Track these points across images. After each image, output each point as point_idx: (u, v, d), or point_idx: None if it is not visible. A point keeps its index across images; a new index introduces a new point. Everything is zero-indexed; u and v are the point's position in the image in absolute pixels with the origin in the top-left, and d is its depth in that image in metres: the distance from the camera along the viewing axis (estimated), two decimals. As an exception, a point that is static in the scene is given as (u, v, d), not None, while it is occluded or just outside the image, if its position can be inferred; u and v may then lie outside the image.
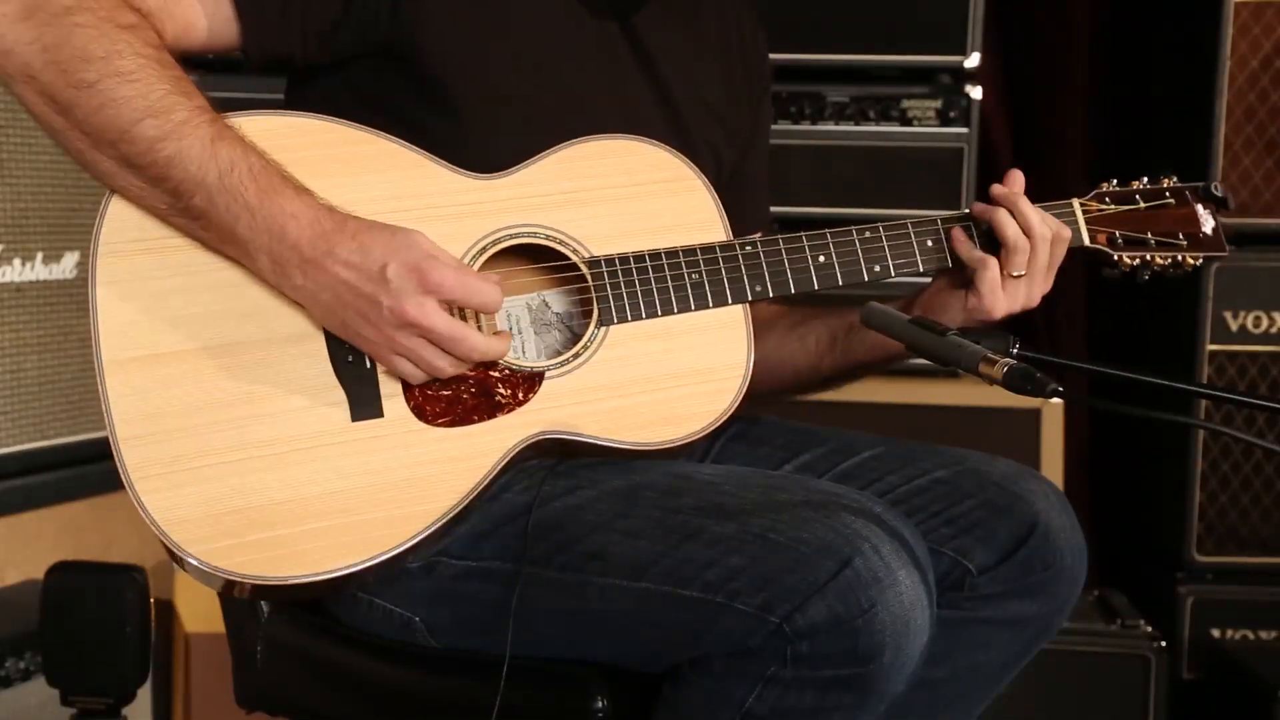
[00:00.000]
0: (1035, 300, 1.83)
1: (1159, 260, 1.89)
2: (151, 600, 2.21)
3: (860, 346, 1.91)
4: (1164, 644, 2.95)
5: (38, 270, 2.83)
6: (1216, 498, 3.21)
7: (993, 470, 1.80)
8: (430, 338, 1.57)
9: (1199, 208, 1.91)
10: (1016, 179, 1.85)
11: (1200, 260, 1.90)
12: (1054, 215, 1.84)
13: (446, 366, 1.60)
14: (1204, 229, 1.91)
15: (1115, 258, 1.88)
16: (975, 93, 3.13)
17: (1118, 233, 1.88)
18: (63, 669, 2.19)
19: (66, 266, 2.89)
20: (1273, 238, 3.18)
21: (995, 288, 1.79)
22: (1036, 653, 1.83)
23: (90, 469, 2.94)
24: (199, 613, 2.95)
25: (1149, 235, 1.89)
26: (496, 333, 1.68)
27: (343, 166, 1.64)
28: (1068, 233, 1.83)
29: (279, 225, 1.55)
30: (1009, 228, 1.78)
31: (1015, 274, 1.79)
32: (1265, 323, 3.17)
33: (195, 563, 1.55)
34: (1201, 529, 3.21)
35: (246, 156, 1.56)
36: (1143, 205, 1.90)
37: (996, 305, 1.80)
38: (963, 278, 1.83)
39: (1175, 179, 1.92)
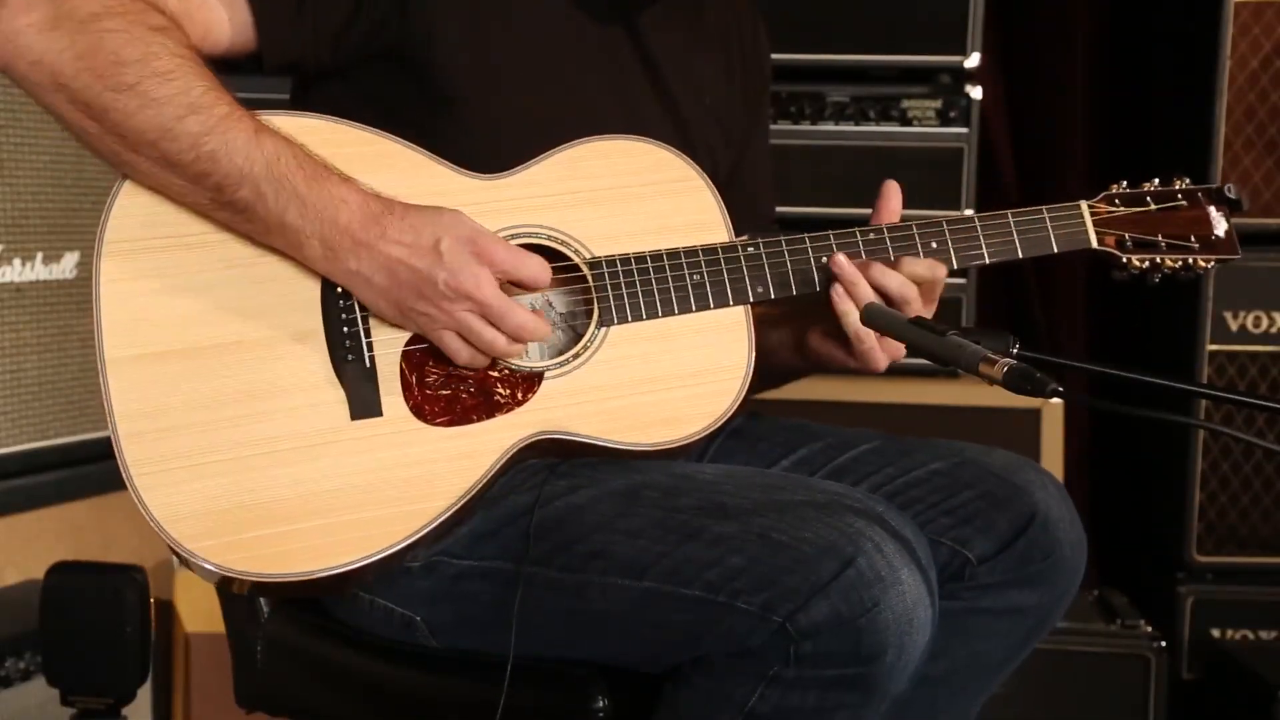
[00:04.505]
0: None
1: (1170, 263, 1.86)
2: (151, 600, 2.20)
3: (813, 328, 1.84)
4: (1164, 644, 2.96)
5: (38, 270, 2.83)
6: (1216, 498, 3.21)
7: (991, 461, 1.80)
8: (482, 311, 1.59)
9: (1211, 210, 1.88)
10: (893, 191, 1.82)
11: (1212, 263, 1.87)
12: (1058, 218, 1.82)
13: (496, 341, 1.61)
14: (1216, 231, 1.88)
15: (1124, 260, 1.86)
16: (975, 93, 3.13)
17: (1127, 235, 1.85)
18: (63, 669, 2.19)
19: (66, 266, 2.89)
20: (1273, 238, 3.17)
21: (874, 354, 1.75)
22: (1035, 647, 1.83)
23: (90, 469, 2.94)
24: (199, 613, 2.94)
25: (1160, 238, 1.86)
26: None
27: (347, 167, 1.63)
28: (943, 271, 1.77)
29: (330, 211, 1.57)
30: (850, 319, 1.72)
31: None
32: (1265, 323, 3.17)
33: (194, 559, 1.55)
34: (1201, 529, 3.21)
35: (290, 146, 1.59)
36: (1154, 207, 1.87)
37: (878, 363, 1.76)
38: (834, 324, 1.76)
39: (1187, 181, 1.90)
